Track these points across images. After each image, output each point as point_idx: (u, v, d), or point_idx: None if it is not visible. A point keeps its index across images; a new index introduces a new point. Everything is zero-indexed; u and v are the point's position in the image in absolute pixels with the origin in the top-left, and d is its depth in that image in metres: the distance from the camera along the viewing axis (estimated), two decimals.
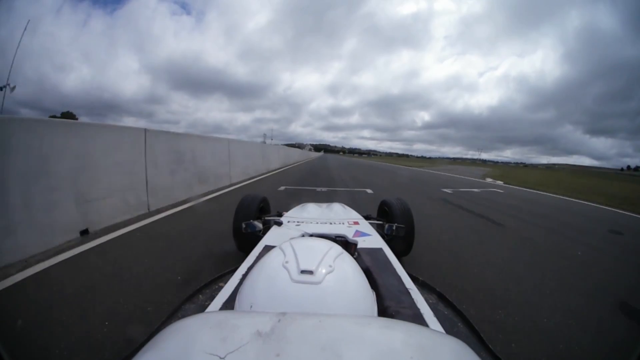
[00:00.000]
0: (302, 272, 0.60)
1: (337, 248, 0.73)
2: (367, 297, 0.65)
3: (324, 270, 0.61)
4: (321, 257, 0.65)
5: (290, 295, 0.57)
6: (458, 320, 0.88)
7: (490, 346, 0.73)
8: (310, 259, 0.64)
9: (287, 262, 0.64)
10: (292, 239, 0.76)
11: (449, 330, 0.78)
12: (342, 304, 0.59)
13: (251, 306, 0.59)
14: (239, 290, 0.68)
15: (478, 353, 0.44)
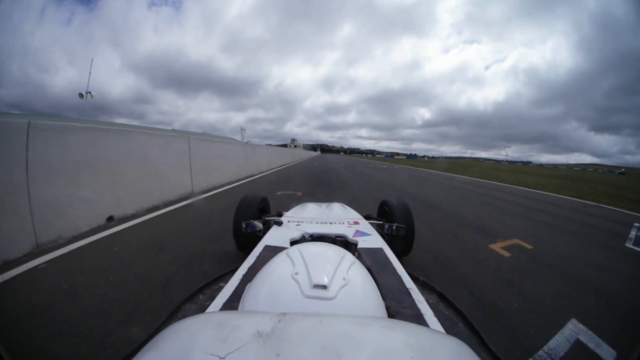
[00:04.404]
0: (315, 286, 0.57)
1: (349, 257, 0.69)
2: (378, 306, 0.63)
3: (338, 284, 0.58)
4: (334, 268, 0.62)
5: (302, 312, 0.54)
6: (458, 320, 0.88)
7: (490, 346, 0.73)
8: (323, 271, 0.60)
9: (296, 273, 0.60)
10: (299, 245, 0.73)
11: (449, 330, 0.78)
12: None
13: None
14: (242, 298, 0.66)
15: (478, 353, 0.44)
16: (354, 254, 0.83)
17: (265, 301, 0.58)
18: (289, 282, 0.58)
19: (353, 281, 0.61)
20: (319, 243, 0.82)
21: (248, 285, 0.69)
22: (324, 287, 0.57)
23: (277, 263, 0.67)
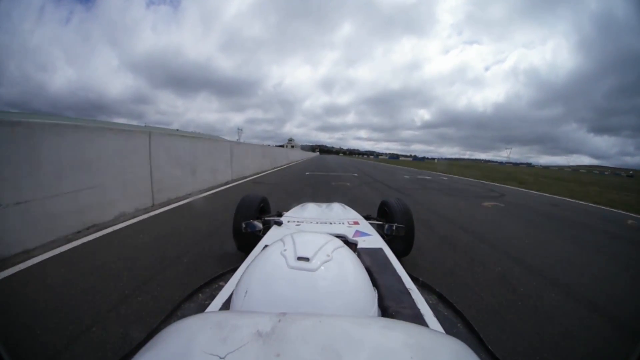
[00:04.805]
0: (299, 258, 0.61)
1: (337, 241, 0.73)
2: (366, 292, 0.65)
3: (321, 259, 0.62)
4: (319, 246, 0.66)
5: (286, 281, 0.58)
6: (458, 321, 0.88)
7: (489, 347, 0.73)
8: (308, 248, 0.64)
9: (285, 250, 0.64)
10: (294, 232, 0.77)
11: (449, 330, 0.78)
12: (338, 294, 0.59)
13: (246, 292, 0.59)
14: (239, 280, 0.69)
15: (478, 353, 0.44)
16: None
17: (256, 277, 0.62)
18: (278, 258, 0.63)
19: (337, 259, 0.64)
20: (310, 231, 0.87)
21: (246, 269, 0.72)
22: (307, 259, 0.61)
23: (271, 247, 0.71)
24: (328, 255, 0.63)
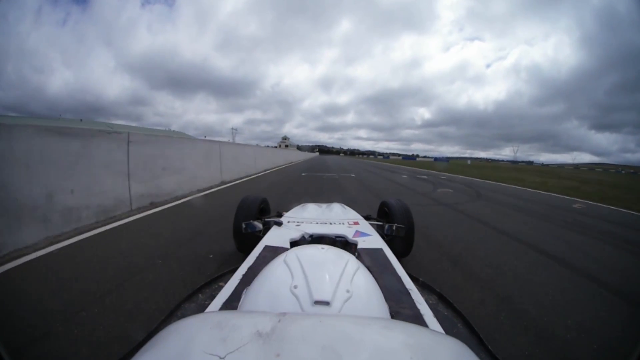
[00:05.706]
0: (316, 302, 0.52)
1: (353, 262, 0.64)
2: (382, 313, 0.59)
3: (341, 299, 0.53)
4: (337, 279, 0.56)
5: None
6: (458, 321, 0.88)
7: (489, 347, 0.73)
8: (324, 283, 0.55)
9: (295, 286, 0.55)
10: (298, 249, 0.68)
11: (449, 330, 0.78)
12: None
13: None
14: (239, 306, 0.63)
15: (477, 354, 0.44)
16: (353, 254, 0.83)
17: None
18: (288, 298, 0.54)
19: (357, 292, 0.56)
20: (319, 246, 0.75)
21: (246, 290, 0.67)
22: (327, 303, 0.51)
23: (274, 272, 0.62)
24: (348, 291, 0.54)
